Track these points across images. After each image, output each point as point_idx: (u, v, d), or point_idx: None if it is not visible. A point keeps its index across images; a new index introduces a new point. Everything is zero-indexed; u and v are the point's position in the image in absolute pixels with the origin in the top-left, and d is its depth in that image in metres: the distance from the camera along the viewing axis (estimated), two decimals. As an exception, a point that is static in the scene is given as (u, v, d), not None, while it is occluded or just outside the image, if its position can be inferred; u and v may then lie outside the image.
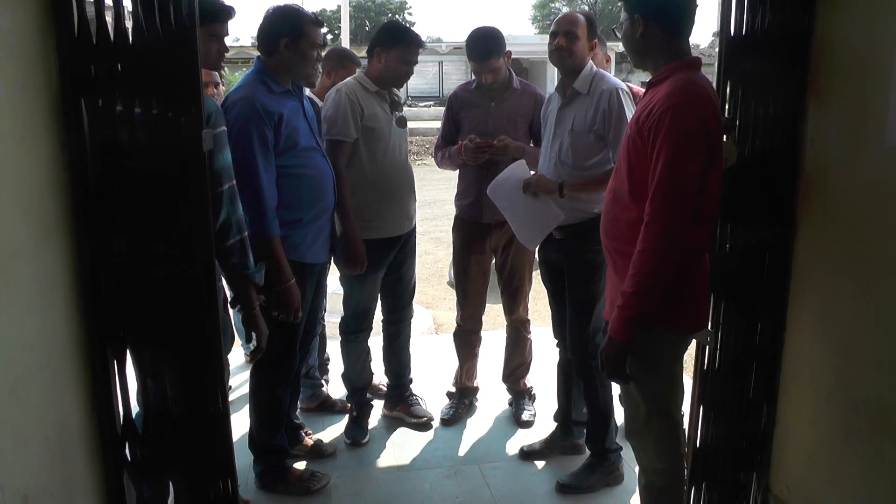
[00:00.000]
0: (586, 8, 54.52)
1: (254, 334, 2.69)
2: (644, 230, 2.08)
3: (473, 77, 3.63)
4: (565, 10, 56.65)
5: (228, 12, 2.57)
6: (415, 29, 3.66)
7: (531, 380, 4.04)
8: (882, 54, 2.22)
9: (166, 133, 2.19)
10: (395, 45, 3.32)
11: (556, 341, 3.41)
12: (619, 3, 2.31)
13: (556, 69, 3.20)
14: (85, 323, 2.27)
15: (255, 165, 2.71)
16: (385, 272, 3.59)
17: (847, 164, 2.44)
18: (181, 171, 2.21)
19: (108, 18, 2.17)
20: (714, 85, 2.43)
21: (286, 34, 2.84)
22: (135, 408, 2.51)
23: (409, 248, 3.66)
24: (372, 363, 3.81)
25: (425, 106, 28.23)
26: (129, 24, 2.16)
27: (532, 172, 3.23)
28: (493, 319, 5.17)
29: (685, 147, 2.03)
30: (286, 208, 2.84)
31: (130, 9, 2.15)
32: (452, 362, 4.07)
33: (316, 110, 3.40)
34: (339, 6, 16.39)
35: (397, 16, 57.33)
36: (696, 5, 2.24)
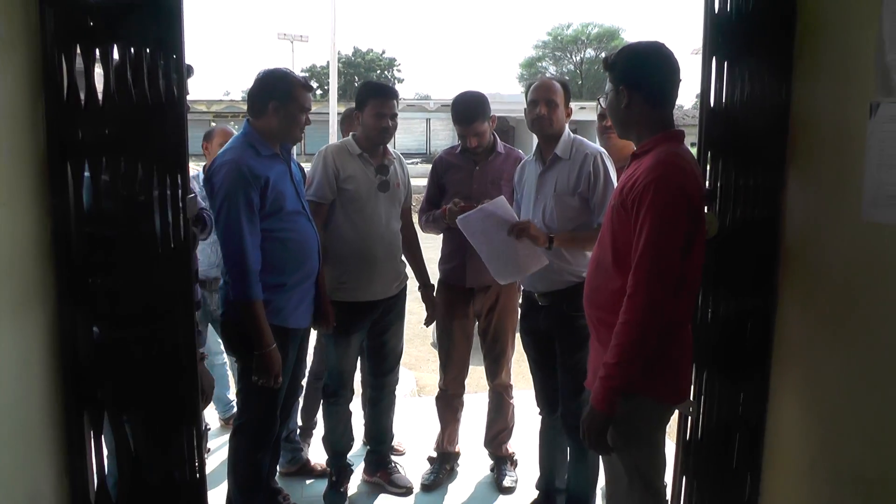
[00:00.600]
0: (572, 68, 55.54)
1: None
2: (627, 301, 2.09)
3: (459, 140, 3.66)
4: (552, 69, 57.36)
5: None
6: (403, 86, 3.72)
7: (513, 445, 4.00)
8: (855, 130, 2.27)
9: (150, 198, 2.20)
10: (366, 101, 3.35)
11: (539, 409, 3.38)
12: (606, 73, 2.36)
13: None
14: (62, 387, 2.24)
15: (239, 228, 2.71)
16: (368, 336, 3.56)
17: (826, 235, 2.48)
18: (163, 236, 2.21)
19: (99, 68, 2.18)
20: (695, 153, 2.47)
21: (276, 97, 2.87)
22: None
23: (394, 316, 3.61)
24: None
25: (412, 163, 28.47)
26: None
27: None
28: (476, 382, 5.14)
29: (668, 220, 2.05)
30: (270, 272, 2.82)
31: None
32: (434, 425, 4.03)
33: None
34: (328, 62, 16.66)
35: (386, 72, 58.26)
36: (681, 79, 2.28)
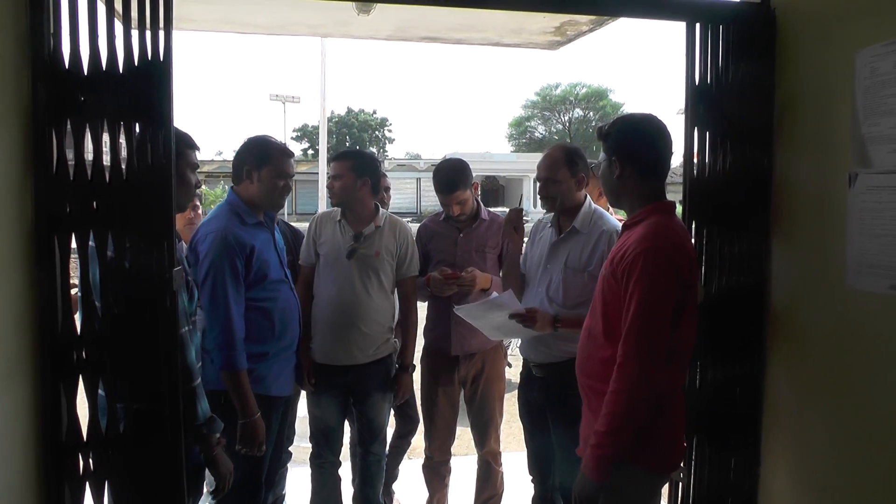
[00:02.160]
0: (560, 128, 56.09)
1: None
2: (617, 371, 2.09)
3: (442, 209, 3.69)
4: (541, 129, 57.51)
5: (193, 145, 2.54)
6: (394, 146, 3.73)
7: (503, 511, 3.92)
8: (836, 199, 2.31)
9: (137, 270, 2.20)
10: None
11: (531, 478, 3.32)
12: (599, 141, 2.38)
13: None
14: (43, 460, 2.20)
15: (225, 297, 2.71)
16: (353, 403, 3.51)
17: (812, 302, 2.50)
18: (150, 309, 2.20)
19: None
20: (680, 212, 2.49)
21: (253, 164, 2.89)
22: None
23: (371, 386, 3.43)
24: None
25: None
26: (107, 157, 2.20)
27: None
28: (467, 444, 5.07)
29: (657, 290, 2.07)
30: (253, 341, 2.82)
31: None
32: (424, 490, 3.96)
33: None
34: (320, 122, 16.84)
35: (377, 132, 58.92)
36: (672, 152, 2.32)
